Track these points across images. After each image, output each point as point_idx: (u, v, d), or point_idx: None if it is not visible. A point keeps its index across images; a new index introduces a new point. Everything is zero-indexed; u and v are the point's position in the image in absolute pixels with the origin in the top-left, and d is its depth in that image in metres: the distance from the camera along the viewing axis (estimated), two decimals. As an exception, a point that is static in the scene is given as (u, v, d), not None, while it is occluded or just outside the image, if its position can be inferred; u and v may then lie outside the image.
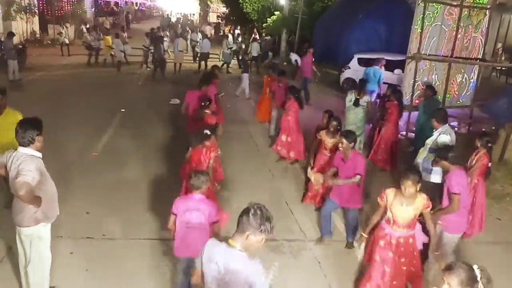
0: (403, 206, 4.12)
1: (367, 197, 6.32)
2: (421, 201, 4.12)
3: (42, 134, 3.74)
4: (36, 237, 3.87)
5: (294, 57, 17.62)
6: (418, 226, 4.34)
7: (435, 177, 5.71)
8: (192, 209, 3.96)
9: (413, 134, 9.15)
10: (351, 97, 8.35)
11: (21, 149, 3.64)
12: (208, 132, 5.32)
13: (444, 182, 4.70)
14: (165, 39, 18.37)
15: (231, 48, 19.46)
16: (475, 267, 2.65)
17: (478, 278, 2.60)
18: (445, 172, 4.84)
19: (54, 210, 3.97)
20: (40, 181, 3.64)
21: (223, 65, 18.88)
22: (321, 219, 5.67)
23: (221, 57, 19.74)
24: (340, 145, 5.27)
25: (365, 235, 4.55)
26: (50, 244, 4.05)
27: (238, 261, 2.60)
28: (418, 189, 4.09)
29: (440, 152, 4.85)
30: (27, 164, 3.54)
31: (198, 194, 4.00)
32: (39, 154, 3.73)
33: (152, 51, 16.68)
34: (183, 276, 4.20)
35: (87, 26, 25.00)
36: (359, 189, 5.36)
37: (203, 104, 6.84)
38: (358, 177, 5.12)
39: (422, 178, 5.68)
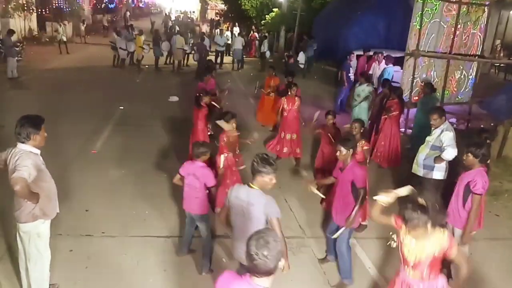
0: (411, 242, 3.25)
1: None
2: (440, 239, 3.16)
3: (41, 131, 3.73)
4: (34, 233, 3.87)
5: (301, 56, 17.46)
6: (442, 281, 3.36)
7: (437, 173, 5.72)
8: (190, 173, 4.67)
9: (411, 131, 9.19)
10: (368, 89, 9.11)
11: (19, 145, 3.67)
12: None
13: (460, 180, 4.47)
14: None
15: (243, 47, 19.38)
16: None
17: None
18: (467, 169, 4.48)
19: (53, 207, 3.97)
20: (37, 178, 3.65)
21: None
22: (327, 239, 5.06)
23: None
24: (338, 153, 4.54)
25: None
26: (49, 242, 4.05)
27: (257, 196, 3.47)
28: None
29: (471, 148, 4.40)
30: (23, 159, 3.56)
31: (199, 162, 4.67)
32: (37, 151, 3.73)
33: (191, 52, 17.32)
34: (188, 225, 4.96)
35: (85, 23, 24.89)
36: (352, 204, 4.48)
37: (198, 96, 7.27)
38: (361, 191, 4.37)
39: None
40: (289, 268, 3.58)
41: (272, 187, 3.51)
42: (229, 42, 21.57)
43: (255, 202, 3.46)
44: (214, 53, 19.47)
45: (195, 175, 4.62)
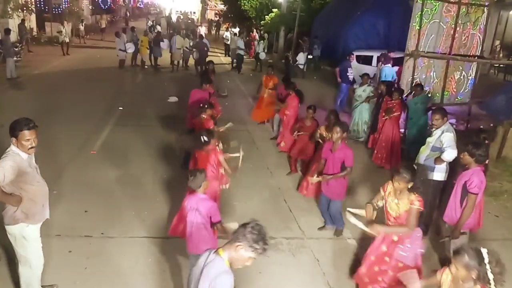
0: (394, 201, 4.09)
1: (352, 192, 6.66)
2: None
3: (19, 136, 3.56)
4: (20, 236, 3.78)
5: (301, 57, 17.31)
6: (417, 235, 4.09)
7: (438, 174, 5.72)
8: (192, 209, 3.98)
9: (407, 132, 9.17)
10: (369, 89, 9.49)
11: (11, 146, 3.62)
12: (205, 138, 5.09)
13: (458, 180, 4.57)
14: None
15: (242, 49, 18.97)
16: (483, 250, 2.68)
17: (485, 261, 2.64)
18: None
19: (39, 211, 3.84)
20: (19, 180, 3.58)
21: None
22: (322, 214, 5.91)
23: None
24: (334, 134, 5.32)
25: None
26: (41, 245, 3.97)
27: (214, 268, 2.52)
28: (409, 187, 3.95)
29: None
30: (4, 161, 3.51)
31: (201, 194, 4.03)
32: (24, 155, 3.63)
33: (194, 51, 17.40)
34: None
35: (84, 24, 24.82)
36: (344, 182, 5.52)
37: (201, 106, 6.51)
38: (348, 169, 5.33)
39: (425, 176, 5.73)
40: None
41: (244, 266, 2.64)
42: (228, 42, 21.63)
43: (207, 274, 2.55)
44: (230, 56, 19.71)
45: (197, 209, 3.95)
